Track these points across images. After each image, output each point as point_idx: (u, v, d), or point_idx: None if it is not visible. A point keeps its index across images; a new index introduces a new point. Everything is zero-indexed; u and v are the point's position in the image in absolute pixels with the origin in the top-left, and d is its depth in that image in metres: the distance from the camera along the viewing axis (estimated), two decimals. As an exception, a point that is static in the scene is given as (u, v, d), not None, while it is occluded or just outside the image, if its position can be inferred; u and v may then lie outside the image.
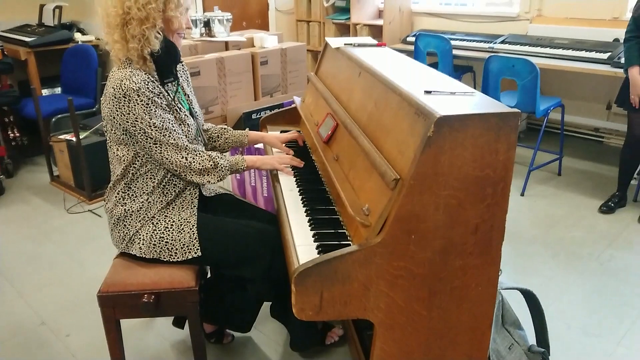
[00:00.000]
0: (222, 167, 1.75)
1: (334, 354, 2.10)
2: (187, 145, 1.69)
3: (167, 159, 1.67)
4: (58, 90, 4.47)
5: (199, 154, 1.71)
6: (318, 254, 1.39)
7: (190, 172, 1.71)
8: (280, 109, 2.53)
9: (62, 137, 3.48)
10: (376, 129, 1.51)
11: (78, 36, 4.39)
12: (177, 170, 1.70)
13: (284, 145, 2.10)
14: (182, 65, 1.90)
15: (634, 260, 2.70)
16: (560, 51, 3.85)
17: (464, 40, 4.46)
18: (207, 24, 3.87)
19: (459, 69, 4.48)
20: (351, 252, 1.25)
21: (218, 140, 2.04)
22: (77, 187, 3.52)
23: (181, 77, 1.87)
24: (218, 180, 1.75)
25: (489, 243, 1.33)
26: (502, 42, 4.23)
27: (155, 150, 1.65)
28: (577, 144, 4.39)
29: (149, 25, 1.57)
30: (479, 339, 1.44)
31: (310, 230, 1.52)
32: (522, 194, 3.47)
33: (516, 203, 3.33)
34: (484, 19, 4.73)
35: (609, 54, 3.57)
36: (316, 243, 1.44)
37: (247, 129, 2.10)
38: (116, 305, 1.70)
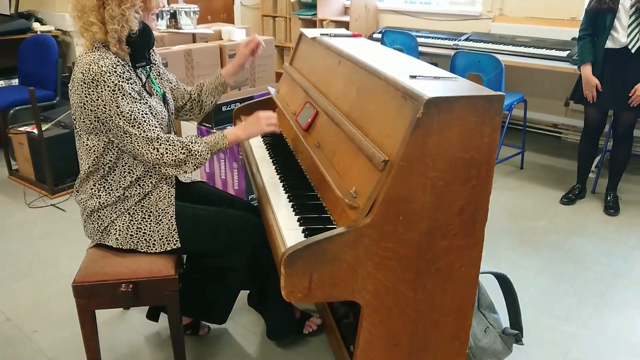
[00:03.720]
0: (197, 153, 1.63)
1: (312, 342, 2.10)
2: (158, 136, 1.59)
3: (138, 151, 1.59)
4: (15, 82, 4.29)
5: (172, 143, 1.61)
6: (304, 237, 1.39)
7: (164, 165, 1.61)
8: (252, 101, 2.52)
9: (21, 129, 3.34)
10: (360, 115, 1.52)
11: (37, 26, 4.23)
12: (149, 164, 1.62)
13: (248, 46, 2.04)
14: (154, 51, 1.86)
15: (594, 248, 2.82)
16: (522, 49, 3.97)
17: (428, 37, 4.55)
18: (173, 15, 3.80)
19: (425, 66, 4.56)
20: (340, 234, 1.25)
21: (200, 98, 2.01)
22: (38, 181, 3.40)
23: (155, 62, 1.83)
24: (195, 168, 1.66)
25: (472, 224, 1.36)
26: (466, 39, 4.33)
27: (127, 141, 1.58)
28: (536, 139, 4.55)
29: (128, 5, 1.53)
30: (462, 320, 1.47)
31: (295, 215, 1.52)
32: (488, 187, 3.57)
33: (482, 195, 3.42)
34: (448, 17, 4.84)
35: (568, 51, 3.71)
36: (302, 227, 1.44)
37: (218, 72, 2.06)
38: (92, 296, 1.65)
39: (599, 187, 3.50)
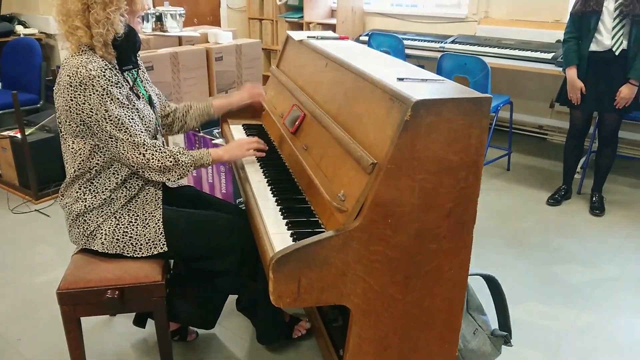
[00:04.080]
0: (183, 164, 1.65)
1: (302, 347, 2.09)
2: (145, 141, 1.60)
3: (123, 155, 1.59)
4: (-3, 86, 4.24)
5: (159, 150, 1.62)
6: (293, 241, 1.38)
7: (148, 170, 1.62)
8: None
9: (4, 133, 3.29)
10: (347, 118, 1.52)
11: (20, 29, 4.18)
12: (134, 167, 1.62)
13: (252, 97, 2.15)
14: (139, 56, 1.85)
15: (580, 249, 2.84)
16: (507, 51, 4.00)
17: (415, 40, 4.56)
18: (159, 18, 3.77)
19: (411, 68, 4.58)
20: (329, 237, 1.24)
21: (184, 119, 2.01)
22: (21, 186, 3.35)
23: (141, 66, 1.82)
24: (179, 178, 1.68)
25: (461, 227, 1.36)
26: (452, 42, 4.35)
27: (112, 145, 1.58)
28: (522, 141, 4.58)
29: (113, 8, 1.51)
30: (451, 322, 1.47)
31: (283, 219, 1.51)
32: (475, 188, 3.59)
33: (470, 197, 3.43)
34: (434, 20, 4.86)
35: (553, 54, 3.75)
36: (290, 231, 1.43)
37: (210, 99, 2.08)
38: (77, 303, 1.62)
39: (585, 188, 3.53)
